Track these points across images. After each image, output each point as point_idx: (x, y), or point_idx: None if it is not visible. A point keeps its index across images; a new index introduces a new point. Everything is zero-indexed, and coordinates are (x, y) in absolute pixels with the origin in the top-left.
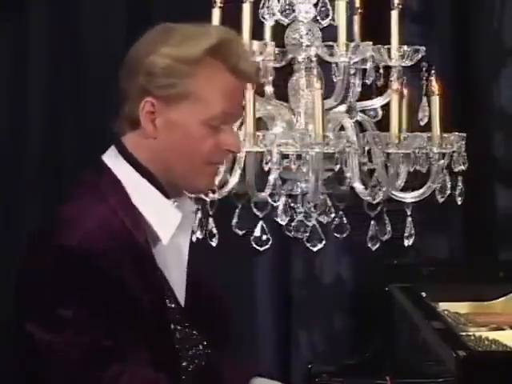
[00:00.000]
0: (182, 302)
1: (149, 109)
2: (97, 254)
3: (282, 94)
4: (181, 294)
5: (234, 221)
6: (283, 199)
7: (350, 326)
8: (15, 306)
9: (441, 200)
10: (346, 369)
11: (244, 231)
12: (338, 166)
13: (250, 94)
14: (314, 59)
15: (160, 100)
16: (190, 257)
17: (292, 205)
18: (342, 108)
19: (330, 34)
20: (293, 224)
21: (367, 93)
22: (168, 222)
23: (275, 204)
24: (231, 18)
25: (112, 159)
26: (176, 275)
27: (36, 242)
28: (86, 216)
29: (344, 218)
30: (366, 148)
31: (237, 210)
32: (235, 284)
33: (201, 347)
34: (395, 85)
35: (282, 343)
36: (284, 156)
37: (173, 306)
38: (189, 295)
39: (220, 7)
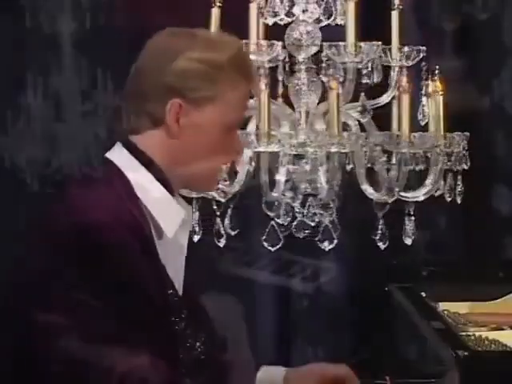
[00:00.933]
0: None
1: (176, 109)
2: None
3: (276, 93)
4: (179, 288)
5: (226, 221)
6: (294, 200)
7: (350, 326)
8: (17, 289)
9: (448, 199)
10: None
11: (236, 232)
12: (351, 166)
13: (264, 94)
14: (324, 59)
15: (188, 102)
16: (188, 255)
17: (293, 205)
18: (343, 108)
19: (328, 33)
20: (294, 224)
21: (358, 94)
22: (173, 216)
23: (293, 204)
24: (230, 18)
25: (118, 156)
26: (175, 270)
27: (53, 217)
28: (98, 202)
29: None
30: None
31: (228, 211)
32: (235, 284)
33: (198, 343)
34: (405, 85)
35: (281, 343)
36: (299, 156)
37: (175, 299)
38: (185, 290)
39: (219, 7)
